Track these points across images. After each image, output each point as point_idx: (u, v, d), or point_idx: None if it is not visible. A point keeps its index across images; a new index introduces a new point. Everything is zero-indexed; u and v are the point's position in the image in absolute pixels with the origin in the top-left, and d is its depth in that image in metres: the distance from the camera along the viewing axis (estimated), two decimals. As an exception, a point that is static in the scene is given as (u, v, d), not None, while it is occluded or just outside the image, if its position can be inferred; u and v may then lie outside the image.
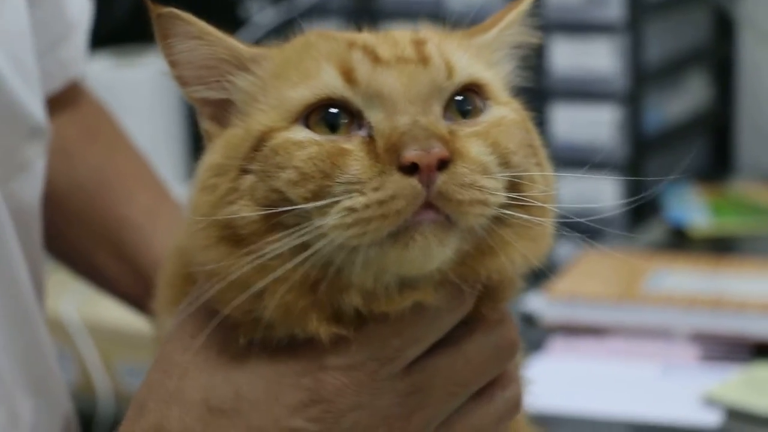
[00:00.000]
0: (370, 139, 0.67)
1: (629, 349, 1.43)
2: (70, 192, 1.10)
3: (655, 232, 1.81)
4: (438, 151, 0.65)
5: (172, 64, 0.72)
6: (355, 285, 0.68)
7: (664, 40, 1.93)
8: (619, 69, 1.82)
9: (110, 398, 1.81)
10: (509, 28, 0.76)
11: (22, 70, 0.96)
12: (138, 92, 1.98)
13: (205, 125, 0.74)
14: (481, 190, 0.67)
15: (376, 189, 0.65)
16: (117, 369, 1.82)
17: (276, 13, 2.07)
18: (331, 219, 0.65)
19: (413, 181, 0.65)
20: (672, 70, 1.96)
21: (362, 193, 0.65)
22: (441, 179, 0.65)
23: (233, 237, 0.68)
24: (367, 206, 0.65)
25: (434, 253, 0.67)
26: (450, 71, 0.70)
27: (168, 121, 2.00)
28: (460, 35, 0.75)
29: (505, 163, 0.69)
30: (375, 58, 0.69)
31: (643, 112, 1.87)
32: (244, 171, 0.69)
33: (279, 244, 0.67)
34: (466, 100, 0.71)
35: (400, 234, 0.66)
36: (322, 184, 0.66)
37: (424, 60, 0.69)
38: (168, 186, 1.14)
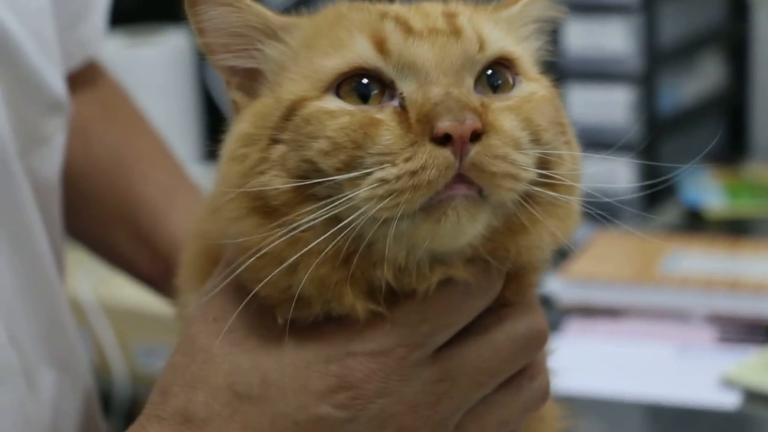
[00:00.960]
0: (402, 110, 0.67)
1: (646, 331, 1.42)
2: (87, 171, 1.10)
3: (670, 213, 1.81)
4: (471, 122, 0.65)
5: (200, 31, 0.72)
6: (387, 259, 0.67)
7: (679, 21, 1.92)
8: (634, 50, 1.81)
9: (126, 378, 1.81)
10: (533, 2, 0.76)
11: (44, 45, 0.96)
12: (153, 71, 1.97)
13: (233, 95, 0.73)
14: (513, 164, 0.66)
15: (408, 159, 0.65)
16: (133, 349, 1.82)
17: (289, -8, 2.06)
18: (363, 190, 0.65)
19: (446, 152, 0.65)
20: (687, 51, 1.95)
21: (394, 164, 0.65)
22: (474, 150, 0.65)
23: (264, 208, 0.68)
24: (399, 177, 0.65)
25: (466, 228, 0.67)
26: (482, 44, 0.69)
27: (183, 101, 2.00)
28: (488, 9, 0.74)
29: (536, 140, 0.69)
30: (407, 29, 0.69)
31: (657, 93, 1.87)
32: (275, 140, 0.68)
33: (311, 216, 0.66)
34: (496, 74, 0.70)
35: (433, 208, 0.66)
36: (354, 154, 0.66)
37: (456, 32, 0.69)
38: (184, 166, 1.14)
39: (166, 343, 1.53)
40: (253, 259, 0.68)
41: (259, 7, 0.72)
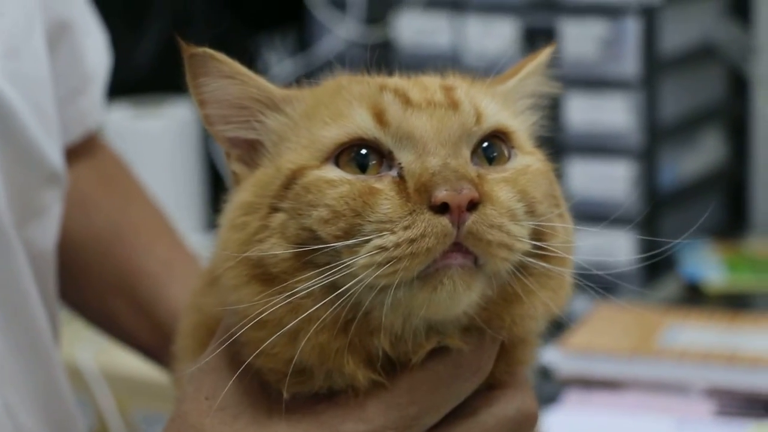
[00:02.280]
0: (400, 180, 0.68)
1: (644, 404, 1.42)
2: (86, 242, 1.10)
3: (669, 287, 1.81)
4: (468, 192, 0.67)
5: (202, 103, 0.73)
6: (384, 327, 0.68)
7: (679, 96, 1.94)
8: (634, 125, 1.83)
9: (125, 446, 1.81)
10: (529, 77, 0.78)
11: (42, 117, 0.97)
12: (157, 143, 1.99)
13: (233, 166, 0.75)
14: (509, 234, 0.68)
15: (406, 227, 0.66)
16: (133, 417, 1.82)
17: (294, 64, 2.09)
18: (362, 258, 0.66)
19: (444, 221, 0.66)
20: (687, 127, 1.97)
21: (393, 232, 0.66)
22: (471, 219, 0.67)
23: (264, 275, 0.69)
24: (397, 245, 0.66)
25: (461, 296, 0.68)
26: (478, 117, 0.71)
27: (187, 172, 2.01)
28: (484, 84, 0.76)
29: (531, 212, 0.70)
30: (406, 101, 0.70)
31: (658, 168, 1.88)
32: (275, 209, 0.69)
33: (310, 282, 0.67)
34: (492, 146, 0.72)
35: (429, 277, 0.67)
36: (353, 222, 0.67)
37: (454, 104, 0.71)
38: (184, 236, 1.15)
39: (166, 410, 1.52)
40: (253, 327, 0.69)
41: (261, 80, 0.73)
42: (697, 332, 1.56)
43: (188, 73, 0.73)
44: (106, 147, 1.17)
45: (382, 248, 0.66)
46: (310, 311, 0.67)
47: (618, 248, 1.83)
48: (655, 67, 1.85)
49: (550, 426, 1.32)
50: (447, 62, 1.91)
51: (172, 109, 2.04)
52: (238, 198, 0.72)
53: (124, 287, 1.09)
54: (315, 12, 2.04)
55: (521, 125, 0.76)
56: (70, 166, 1.05)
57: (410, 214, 0.67)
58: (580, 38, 1.83)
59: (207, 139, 2.05)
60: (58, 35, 1.05)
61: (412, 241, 0.66)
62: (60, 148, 1.00)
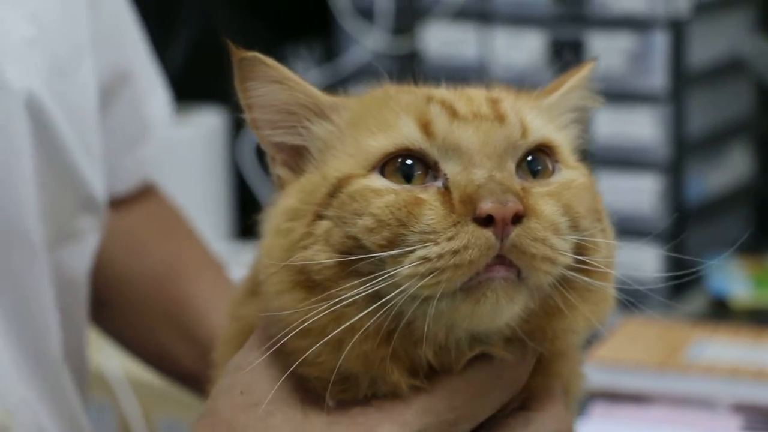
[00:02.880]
0: (445, 190, 0.69)
1: (671, 418, 1.42)
2: (139, 280, 1.13)
3: (696, 302, 1.81)
4: (513, 205, 0.67)
5: (249, 107, 0.73)
6: (427, 338, 0.68)
7: (707, 110, 1.94)
8: (662, 138, 1.83)
9: (149, 453, 1.81)
10: (572, 91, 0.78)
11: (86, 142, 0.98)
12: (184, 149, 2.00)
13: (278, 171, 0.75)
14: (552, 248, 0.68)
15: (450, 239, 0.66)
16: (158, 424, 1.82)
17: (321, 74, 2.10)
18: (405, 268, 0.66)
19: (488, 233, 0.66)
20: (714, 141, 1.97)
21: (437, 243, 0.66)
22: (515, 232, 0.67)
23: (307, 282, 0.69)
24: (441, 256, 0.66)
25: (504, 309, 0.68)
26: (524, 130, 0.71)
27: (215, 180, 2.02)
28: (529, 97, 0.76)
29: (574, 226, 0.70)
30: (452, 113, 0.71)
31: (685, 182, 1.87)
32: (320, 216, 0.70)
33: (354, 291, 0.68)
34: (537, 160, 0.72)
35: (472, 289, 0.67)
36: (398, 232, 0.67)
37: (500, 117, 0.71)
38: (217, 254, 1.17)
39: (191, 418, 1.53)
40: (296, 335, 0.69)
41: (309, 86, 0.74)
42: (724, 347, 1.55)
43: (237, 76, 0.73)
44: (160, 193, 1.19)
45: (426, 259, 0.66)
46: (353, 320, 0.68)
47: (645, 263, 1.82)
48: (683, 80, 1.85)
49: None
50: (474, 73, 1.93)
51: (199, 117, 2.04)
52: (283, 203, 0.73)
53: (171, 317, 1.12)
54: (342, 22, 2.04)
55: (565, 139, 0.75)
56: (127, 212, 1.08)
57: (454, 225, 0.67)
58: (608, 51, 1.82)
59: (234, 147, 2.05)
60: (119, 84, 1.08)
61: (455, 252, 0.66)
62: (101, 175, 1.01)
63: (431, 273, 0.66)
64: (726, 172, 2.02)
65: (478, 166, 0.69)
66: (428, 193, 0.69)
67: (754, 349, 1.55)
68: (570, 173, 0.73)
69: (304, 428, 0.70)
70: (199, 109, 2.07)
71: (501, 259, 0.67)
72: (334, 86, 2.12)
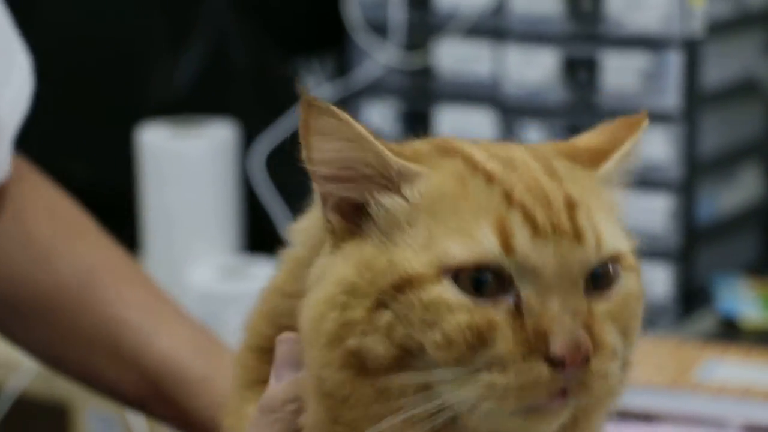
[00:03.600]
0: (517, 310, 0.67)
1: (680, 438, 1.41)
2: (52, 295, 1.06)
3: (706, 322, 1.80)
4: (585, 347, 0.66)
5: (311, 159, 0.69)
6: (466, 428, 0.68)
7: (719, 131, 1.93)
8: (674, 158, 1.82)
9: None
10: (627, 157, 0.75)
11: None
12: (194, 163, 1.99)
13: (329, 215, 0.71)
14: (612, 382, 0.68)
15: (519, 372, 0.66)
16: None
17: (333, 89, 2.09)
18: (467, 390, 0.66)
19: (557, 374, 0.66)
20: (726, 161, 1.96)
21: (504, 373, 0.66)
22: (582, 371, 0.66)
23: (359, 365, 0.68)
24: (506, 388, 0.66)
25: (553, 426, 0.68)
26: (599, 245, 0.69)
27: (224, 192, 2.02)
28: (582, 164, 0.73)
29: (628, 344, 0.70)
30: (533, 225, 0.68)
31: (696, 202, 1.87)
32: (382, 304, 0.67)
33: (408, 382, 0.67)
34: (603, 273, 0.70)
35: (528, 411, 0.67)
36: (466, 353, 0.66)
37: (578, 234, 0.68)
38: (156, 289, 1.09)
39: None
40: (341, 407, 0.69)
41: (380, 146, 0.69)
42: (735, 368, 1.54)
43: (302, 123, 0.68)
44: (50, 191, 1.10)
45: (491, 386, 0.66)
46: (403, 414, 0.67)
47: (654, 281, 1.82)
48: (697, 100, 1.84)
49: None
50: (487, 90, 1.92)
51: (210, 130, 2.04)
52: (340, 272, 0.69)
53: (105, 341, 1.05)
54: (355, 37, 2.04)
55: (628, 239, 0.73)
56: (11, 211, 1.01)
57: (524, 359, 0.66)
58: (622, 70, 1.82)
59: (245, 161, 2.05)
60: None
61: (522, 387, 0.66)
62: None
63: (493, 397, 0.66)
64: (737, 192, 2.01)
65: (554, 293, 0.67)
66: (500, 313, 0.67)
67: (764, 370, 1.54)
68: (629, 281, 0.71)
69: None
70: (211, 122, 2.07)
71: (563, 391, 0.67)
72: (345, 101, 2.12)
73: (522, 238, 0.67)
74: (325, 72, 2.22)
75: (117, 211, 2.26)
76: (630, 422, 1.44)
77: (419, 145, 0.72)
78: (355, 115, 2.05)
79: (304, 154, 0.69)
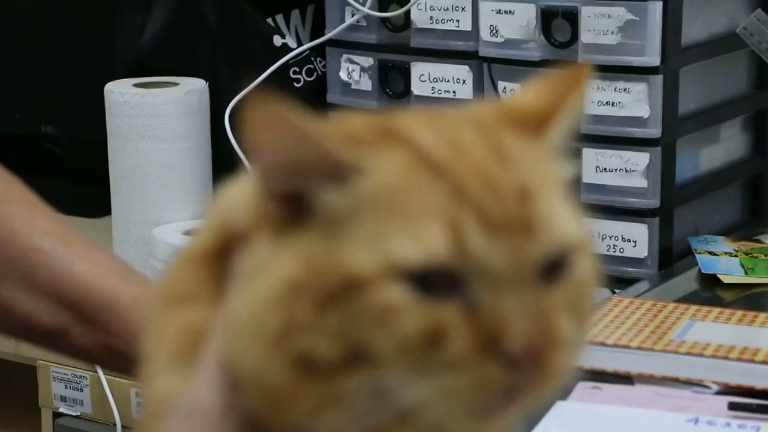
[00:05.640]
0: (471, 311, 0.64)
1: (657, 398, 1.39)
2: None
3: (686, 281, 1.78)
4: (540, 345, 0.63)
5: (252, 151, 0.66)
6: (414, 427, 0.65)
7: (701, 86, 1.90)
8: (654, 114, 1.79)
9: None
10: (572, 116, 0.71)
11: None
12: (166, 116, 1.97)
13: (270, 204, 0.67)
14: (566, 372, 0.66)
15: (473, 372, 0.63)
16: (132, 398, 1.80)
17: (308, 43, 2.06)
18: (419, 392, 0.64)
19: (511, 374, 0.63)
20: (709, 118, 1.93)
21: (458, 375, 0.63)
22: (536, 370, 0.64)
23: (307, 366, 0.64)
24: (459, 387, 0.63)
25: (506, 425, 0.67)
26: (552, 234, 0.66)
27: (197, 147, 2.00)
28: (529, 132, 0.69)
29: (582, 328, 0.67)
30: (485, 221, 0.64)
31: (677, 159, 1.84)
32: (329, 305, 0.64)
33: (359, 382, 0.64)
34: (558, 260, 0.66)
35: (481, 411, 0.65)
36: (417, 355, 0.63)
37: (530, 226, 0.65)
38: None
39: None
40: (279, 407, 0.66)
41: (324, 143, 0.65)
42: (713, 329, 1.52)
43: (246, 117, 0.64)
44: None
45: (443, 387, 0.63)
46: (347, 410, 0.64)
47: (635, 240, 1.79)
48: (678, 54, 1.81)
49: (560, 417, 1.30)
50: (462, 43, 1.88)
51: (180, 86, 2.02)
52: (284, 270, 0.65)
53: (19, 272, 1.02)
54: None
55: (577, 217, 0.68)
56: None
57: (477, 358, 0.63)
58: (600, 22, 1.78)
59: (218, 115, 2.02)
60: None
61: (476, 386, 0.63)
62: None
63: (445, 397, 0.63)
64: (720, 150, 1.99)
65: (507, 289, 0.64)
66: (452, 314, 0.63)
67: (743, 330, 1.52)
68: (582, 264, 0.67)
69: None
70: (180, 78, 2.04)
71: (516, 390, 0.64)
72: (320, 55, 2.09)
73: (473, 236, 0.64)
74: (300, 26, 2.20)
75: (87, 168, 2.23)
76: (608, 382, 1.42)
77: (362, 127, 0.68)
78: (332, 68, 2.03)
79: (245, 145, 0.65)
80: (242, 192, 0.70)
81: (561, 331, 0.64)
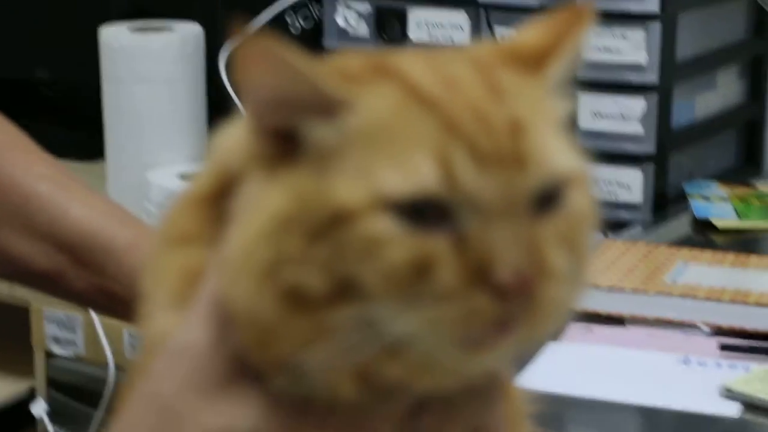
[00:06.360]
0: (460, 242, 0.63)
1: (649, 340, 1.40)
2: None
3: (679, 226, 1.78)
4: (530, 274, 0.62)
5: (243, 87, 0.65)
6: (404, 360, 0.64)
7: (698, 33, 1.90)
8: (651, 60, 1.78)
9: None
10: (572, 56, 0.69)
11: None
12: (161, 60, 1.96)
13: (261, 141, 0.66)
14: (562, 308, 0.64)
15: (462, 303, 0.62)
16: (125, 339, 1.81)
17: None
18: (407, 323, 0.63)
19: (502, 303, 0.62)
20: (705, 64, 1.93)
21: (448, 304, 0.62)
22: (529, 303, 0.63)
23: (295, 299, 0.64)
24: (449, 318, 0.62)
25: (497, 360, 0.66)
26: (545, 168, 0.65)
27: (193, 92, 1.99)
28: (527, 70, 0.68)
29: (579, 264, 0.65)
30: (475, 154, 0.63)
31: (673, 105, 1.84)
32: (318, 237, 0.64)
33: (347, 315, 0.63)
34: (551, 193, 0.65)
35: (473, 343, 0.63)
36: (405, 286, 0.63)
37: (522, 159, 0.64)
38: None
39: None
40: (266, 336, 0.65)
41: (315, 78, 0.65)
42: (706, 271, 1.53)
43: (238, 54, 0.64)
44: None
45: (432, 318, 0.62)
46: (338, 338, 0.64)
47: (629, 184, 1.79)
48: (676, 1, 1.80)
49: (552, 358, 1.31)
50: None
51: (179, 27, 2.01)
52: (273, 203, 0.65)
53: (16, 215, 1.02)
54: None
55: (574, 152, 0.68)
56: None
57: (467, 289, 0.62)
58: (598, -32, 1.78)
59: (213, 59, 2.01)
60: None
61: (465, 317, 0.62)
62: None
63: (436, 328, 0.62)
64: (716, 96, 1.98)
65: (498, 221, 0.63)
66: (441, 245, 0.63)
67: (736, 273, 1.53)
68: (578, 198, 0.66)
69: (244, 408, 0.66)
70: (175, 23, 2.03)
71: (507, 323, 0.63)
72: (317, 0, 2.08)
73: (463, 168, 0.63)
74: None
75: (81, 112, 2.23)
76: (600, 324, 1.42)
77: (356, 63, 0.68)
78: (329, 14, 2.01)
79: (237, 81, 0.65)
80: (240, 134, 0.70)
81: (552, 262, 0.64)
